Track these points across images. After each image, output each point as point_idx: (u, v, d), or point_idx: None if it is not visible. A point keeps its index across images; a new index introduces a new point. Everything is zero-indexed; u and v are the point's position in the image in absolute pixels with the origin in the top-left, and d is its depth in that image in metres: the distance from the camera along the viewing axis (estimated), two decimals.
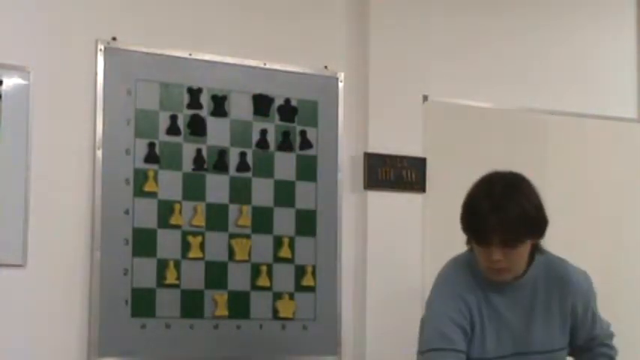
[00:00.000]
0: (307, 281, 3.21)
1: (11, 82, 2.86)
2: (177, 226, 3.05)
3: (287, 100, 3.24)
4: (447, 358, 2.43)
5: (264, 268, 3.15)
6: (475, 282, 2.54)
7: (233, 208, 3.13)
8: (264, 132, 3.20)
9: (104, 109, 2.98)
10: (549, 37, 3.77)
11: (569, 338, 2.60)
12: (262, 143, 3.19)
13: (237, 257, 3.11)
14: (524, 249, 2.47)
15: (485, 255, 2.46)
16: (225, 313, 3.08)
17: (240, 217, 3.14)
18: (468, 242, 2.56)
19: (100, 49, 2.99)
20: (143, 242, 2.99)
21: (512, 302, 2.55)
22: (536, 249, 2.53)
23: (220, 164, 3.13)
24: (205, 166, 3.10)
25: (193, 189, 3.08)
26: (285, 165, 3.22)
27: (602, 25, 3.91)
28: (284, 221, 3.20)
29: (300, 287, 3.20)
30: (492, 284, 2.52)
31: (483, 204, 2.44)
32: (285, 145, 3.23)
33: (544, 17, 3.77)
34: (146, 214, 3.00)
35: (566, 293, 2.58)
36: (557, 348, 2.58)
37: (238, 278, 3.11)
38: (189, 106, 3.10)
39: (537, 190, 2.51)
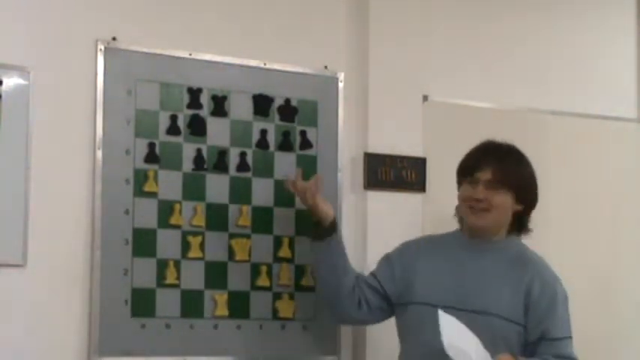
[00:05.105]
0: (307, 281, 3.21)
1: (11, 82, 2.86)
2: (177, 226, 3.05)
3: (287, 100, 3.24)
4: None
5: (264, 268, 3.15)
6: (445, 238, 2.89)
7: (233, 208, 3.13)
8: (264, 132, 3.20)
9: (104, 109, 2.98)
10: (549, 37, 3.77)
11: (524, 323, 2.63)
12: (262, 143, 3.19)
13: (237, 257, 3.11)
14: (505, 199, 2.67)
15: (470, 193, 2.76)
16: (225, 313, 3.08)
17: (240, 217, 3.13)
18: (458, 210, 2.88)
19: (100, 49, 2.99)
20: (143, 242, 2.99)
21: (478, 263, 2.67)
22: (520, 225, 2.69)
23: (220, 164, 3.13)
24: (205, 166, 3.10)
25: (193, 189, 3.08)
26: (285, 165, 3.21)
27: (602, 25, 3.90)
28: (284, 221, 3.20)
29: (300, 287, 3.20)
30: (469, 245, 2.78)
31: (482, 145, 2.82)
32: (285, 145, 3.23)
33: (544, 17, 3.77)
34: (146, 214, 3.00)
35: (524, 270, 2.66)
36: (501, 314, 2.60)
37: (238, 278, 3.11)
38: (189, 106, 3.10)
39: (533, 171, 2.86)
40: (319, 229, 2.98)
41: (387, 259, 2.98)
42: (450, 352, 2.50)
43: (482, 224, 2.76)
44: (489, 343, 2.57)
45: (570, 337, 2.68)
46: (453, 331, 2.52)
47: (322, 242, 2.97)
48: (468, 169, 2.80)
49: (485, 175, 2.75)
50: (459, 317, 2.62)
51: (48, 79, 2.91)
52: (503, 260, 2.72)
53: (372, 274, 2.98)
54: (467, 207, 2.79)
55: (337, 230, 2.98)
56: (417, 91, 3.43)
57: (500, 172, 2.73)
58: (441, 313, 2.56)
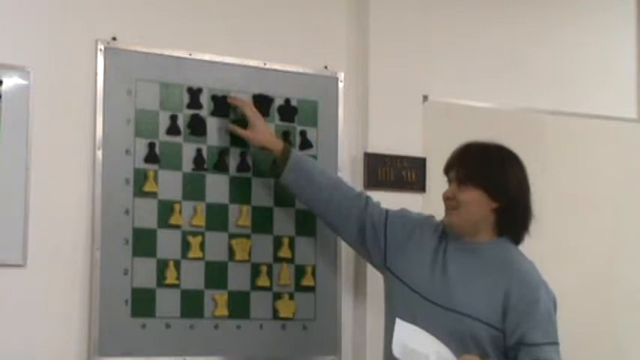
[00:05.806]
0: (307, 281, 3.22)
1: (11, 82, 2.86)
2: (177, 226, 3.04)
3: (287, 100, 3.24)
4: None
5: (264, 268, 3.15)
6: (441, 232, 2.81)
7: (233, 208, 3.13)
8: None
9: (104, 109, 2.98)
10: (549, 38, 3.78)
11: (502, 328, 2.62)
12: None
13: (237, 257, 3.11)
14: (473, 196, 2.67)
15: (444, 192, 2.76)
16: (226, 313, 3.08)
17: (240, 217, 3.13)
18: None
19: (100, 49, 2.99)
20: (143, 242, 2.99)
21: (459, 262, 2.67)
22: (502, 224, 2.65)
23: (220, 164, 3.13)
24: (205, 166, 3.10)
25: (193, 189, 3.08)
26: None
27: (602, 25, 3.91)
28: (284, 221, 3.20)
29: (300, 287, 3.20)
30: (456, 243, 2.75)
31: (459, 146, 2.79)
32: None
33: (544, 17, 3.77)
34: (146, 214, 3.00)
35: (506, 273, 2.64)
36: (472, 315, 2.61)
37: (238, 278, 3.11)
38: (189, 106, 3.10)
39: (522, 171, 2.69)
40: (272, 166, 3.05)
41: (402, 209, 2.99)
42: (397, 352, 2.50)
43: (448, 221, 2.77)
44: (459, 342, 2.56)
45: (555, 344, 2.59)
46: (407, 337, 2.52)
47: (279, 180, 3.03)
48: (444, 170, 2.81)
49: (453, 173, 2.76)
50: (428, 309, 2.63)
51: (48, 79, 2.91)
52: (486, 263, 2.70)
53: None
54: (445, 207, 2.80)
55: (289, 161, 2.98)
56: (417, 91, 3.43)
57: (465, 169, 2.73)
58: (398, 321, 2.56)
